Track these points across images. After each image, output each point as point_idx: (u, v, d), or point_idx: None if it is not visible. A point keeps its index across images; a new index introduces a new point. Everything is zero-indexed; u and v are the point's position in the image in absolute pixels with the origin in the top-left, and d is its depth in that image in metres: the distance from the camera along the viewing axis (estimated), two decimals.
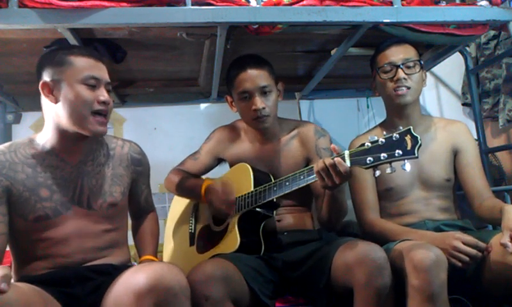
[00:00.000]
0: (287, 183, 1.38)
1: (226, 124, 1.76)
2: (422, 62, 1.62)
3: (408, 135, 1.15)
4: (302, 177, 1.35)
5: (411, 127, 1.16)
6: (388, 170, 1.17)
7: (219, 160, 1.75)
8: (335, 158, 1.22)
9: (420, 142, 1.14)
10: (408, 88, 1.55)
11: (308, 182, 1.33)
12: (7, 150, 1.25)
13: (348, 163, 1.22)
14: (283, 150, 1.60)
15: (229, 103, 1.64)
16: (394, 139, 1.17)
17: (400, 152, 1.14)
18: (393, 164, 1.17)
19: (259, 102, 1.50)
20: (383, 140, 1.18)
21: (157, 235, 1.54)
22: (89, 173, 1.30)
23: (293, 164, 1.57)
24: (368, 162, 1.19)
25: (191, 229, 1.72)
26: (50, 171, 1.25)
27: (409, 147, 1.14)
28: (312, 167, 1.31)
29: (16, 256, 1.26)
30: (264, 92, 1.52)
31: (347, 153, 1.23)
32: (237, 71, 1.53)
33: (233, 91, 1.58)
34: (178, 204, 1.83)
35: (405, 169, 1.15)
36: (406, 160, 1.15)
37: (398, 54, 1.58)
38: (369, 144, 1.20)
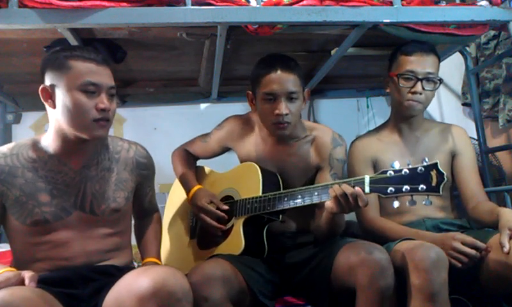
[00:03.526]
0: (299, 197, 1.34)
1: (241, 114, 1.68)
2: (442, 81, 1.61)
3: (434, 170, 1.12)
4: (316, 194, 1.31)
5: (438, 162, 1.13)
6: (408, 203, 1.15)
7: (226, 149, 1.70)
8: (356, 189, 1.18)
9: (446, 179, 1.10)
10: (420, 102, 1.57)
11: (322, 200, 1.29)
12: (9, 153, 1.23)
13: (367, 189, 1.19)
14: (296, 153, 1.54)
15: (249, 100, 1.56)
16: (419, 171, 1.13)
17: (424, 187, 1.11)
18: (414, 196, 1.14)
19: (283, 107, 1.41)
20: (407, 171, 1.14)
21: (160, 236, 1.53)
22: (92, 178, 1.28)
23: (304, 168, 1.53)
24: (389, 192, 1.15)
25: (192, 221, 1.70)
26: (51, 176, 1.23)
27: (434, 183, 1.10)
28: (327, 185, 1.28)
29: (18, 257, 1.26)
30: (290, 98, 1.43)
31: (367, 179, 1.20)
32: (267, 69, 1.44)
33: (257, 89, 1.48)
34: (177, 194, 1.79)
35: (427, 205, 1.12)
36: (428, 196, 1.13)
37: (423, 65, 1.56)
38: (392, 173, 1.16)
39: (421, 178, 1.12)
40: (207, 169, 1.79)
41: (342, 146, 1.53)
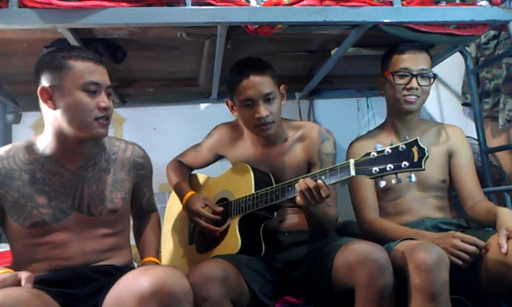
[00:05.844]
0: (290, 189, 1.36)
1: (229, 121, 1.72)
2: (436, 76, 1.64)
3: (415, 147, 1.14)
4: (290, 188, 1.34)
5: (418, 138, 1.15)
6: (394, 181, 1.16)
7: (219, 157, 1.75)
8: (318, 181, 1.23)
9: (427, 154, 1.12)
10: (417, 97, 1.58)
11: (294, 195, 1.31)
12: (5, 155, 1.23)
13: (353, 172, 1.21)
14: (286, 153, 1.57)
15: (229, 108, 1.59)
16: (401, 149, 1.15)
17: (407, 164, 1.13)
18: (398, 175, 1.16)
19: (263, 110, 1.44)
20: (389, 150, 1.17)
21: (159, 236, 1.54)
22: (89, 179, 1.28)
23: (296, 166, 1.55)
24: (374, 172, 1.17)
25: (190, 227, 1.72)
26: (48, 177, 1.23)
27: (416, 159, 1.13)
28: (316, 173, 1.30)
29: (17, 257, 1.26)
30: (267, 99, 1.46)
31: (352, 162, 1.22)
32: (240, 77, 1.46)
33: (235, 98, 1.51)
34: (176, 202, 1.81)
35: (412, 181, 1.14)
36: (412, 172, 1.14)
37: (416, 61, 1.59)
38: (375, 154, 1.18)
39: (403, 156, 1.15)
40: (200, 176, 1.81)
41: (330, 140, 1.56)
